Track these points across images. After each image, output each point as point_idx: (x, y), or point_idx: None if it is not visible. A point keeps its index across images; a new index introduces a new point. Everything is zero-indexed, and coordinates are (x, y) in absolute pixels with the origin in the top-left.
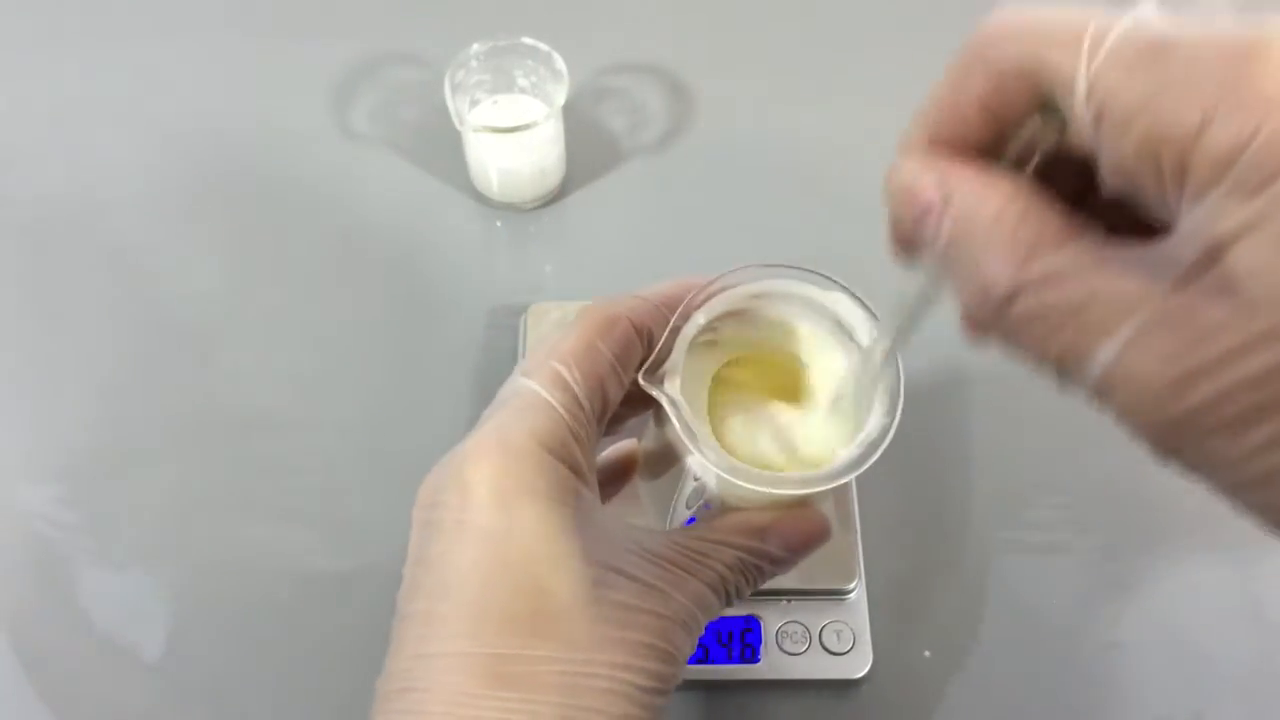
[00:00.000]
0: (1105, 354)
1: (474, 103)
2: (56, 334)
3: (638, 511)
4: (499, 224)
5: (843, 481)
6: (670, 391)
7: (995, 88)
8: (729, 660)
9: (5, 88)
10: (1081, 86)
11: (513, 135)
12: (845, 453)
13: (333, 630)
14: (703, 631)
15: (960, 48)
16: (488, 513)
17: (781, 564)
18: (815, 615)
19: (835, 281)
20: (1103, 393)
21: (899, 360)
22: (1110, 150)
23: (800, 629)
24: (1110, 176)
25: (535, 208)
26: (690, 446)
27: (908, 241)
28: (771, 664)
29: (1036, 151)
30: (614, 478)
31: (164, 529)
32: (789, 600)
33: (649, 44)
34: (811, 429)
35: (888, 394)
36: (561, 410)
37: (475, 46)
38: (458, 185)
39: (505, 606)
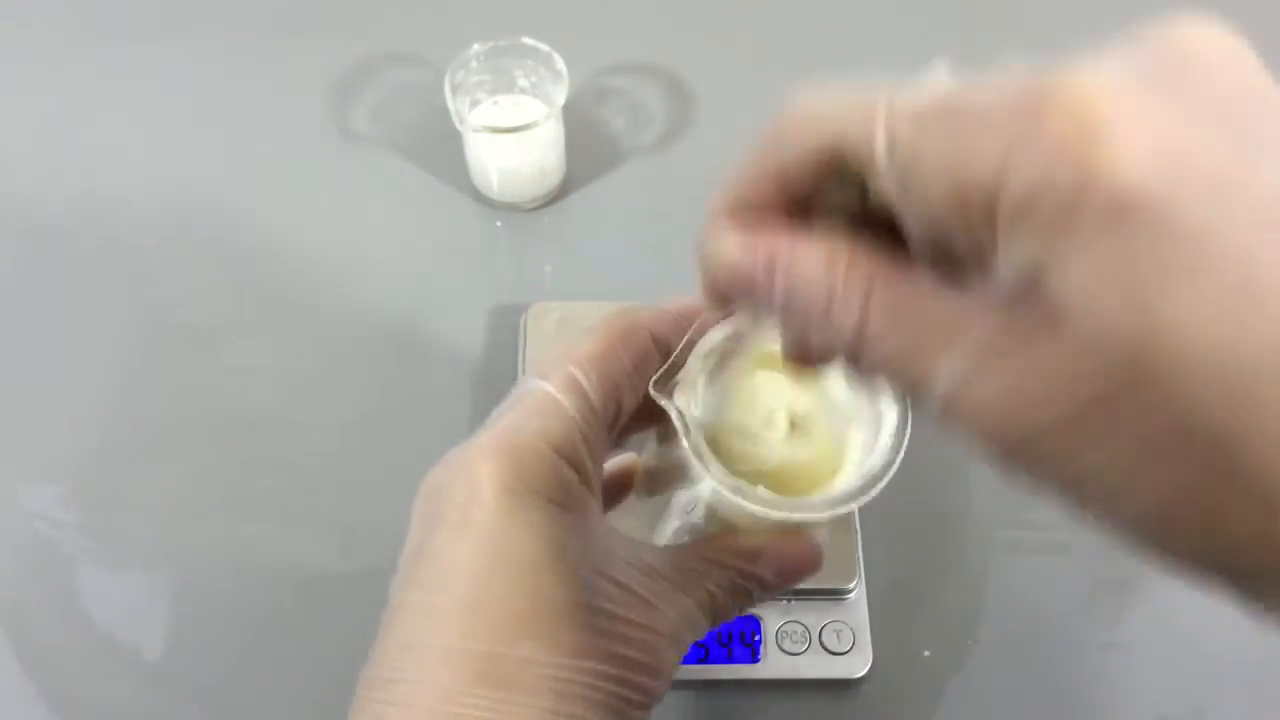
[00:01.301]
0: (940, 383)
1: (474, 103)
2: (57, 334)
3: (632, 528)
4: (499, 224)
5: (843, 512)
6: (680, 404)
7: (796, 165)
8: (729, 660)
9: (5, 88)
10: (881, 152)
11: (513, 135)
12: (846, 483)
13: (333, 630)
14: (686, 652)
15: (758, 135)
16: (493, 511)
17: (769, 590)
18: (815, 615)
19: None
20: (944, 419)
21: (908, 399)
22: (917, 206)
23: (800, 629)
24: (920, 230)
25: (535, 208)
26: (695, 462)
27: (725, 300)
28: (771, 664)
29: (842, 214)
30: (611, 491)
31: (164, 529)
32: (789, 600)
33: (649, 44)
34: (814, 450)
35: (895, 431)
36: (575, 414)
37: (475, 47)
38: (458, 185)
39: (502, 605)
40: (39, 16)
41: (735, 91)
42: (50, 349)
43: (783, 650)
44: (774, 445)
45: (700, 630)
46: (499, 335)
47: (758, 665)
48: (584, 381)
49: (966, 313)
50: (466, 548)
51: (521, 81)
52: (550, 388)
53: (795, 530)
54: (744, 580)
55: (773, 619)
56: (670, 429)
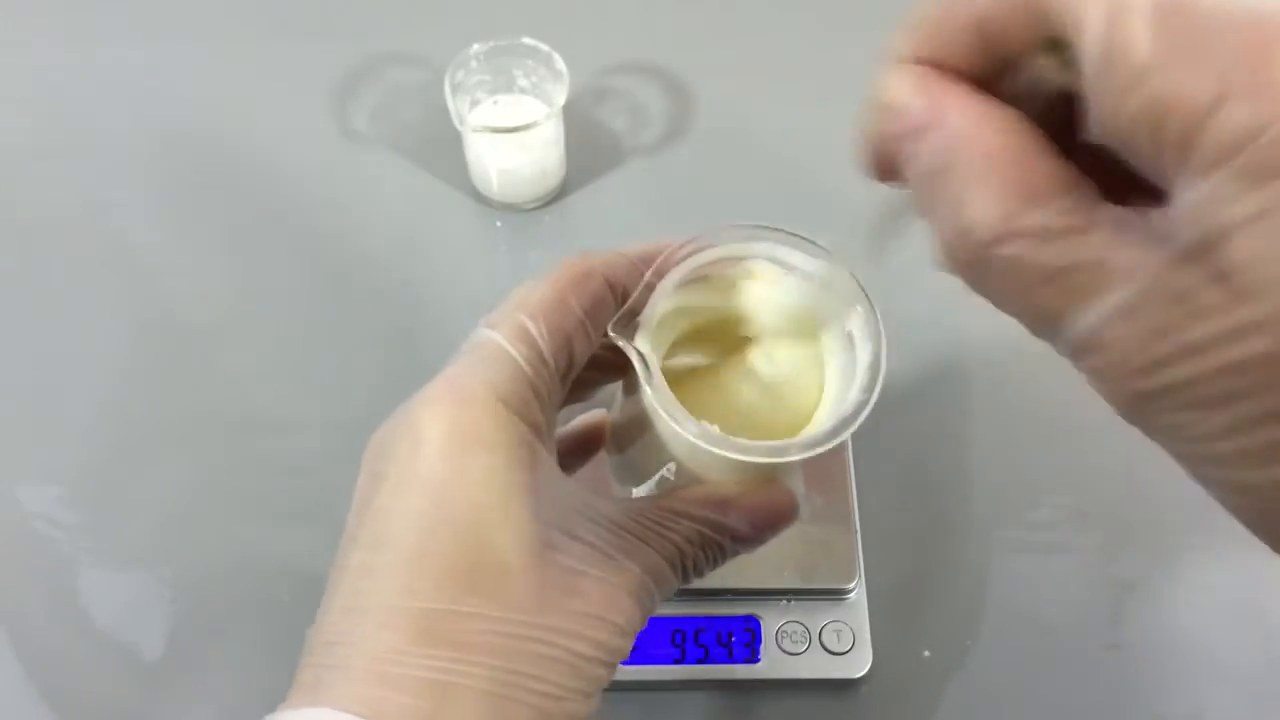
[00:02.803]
0: (1088, 318)
1: (474, 103)
2: (57, 335)
3: (603, 486)
4: (499, 224)
5: (814, 453)
6: (640, 345)
7: (996, 13)
8: (729, 660)
9: (5, 88)
10: (1091, 33)
11: (513, 135)
12: (820, 424)
13: None
14: (656, 607)
15: None
16: (435, 463)
17: (745, 541)
18: (815, 615)
19: (809, 240)
20: (1078, 353)
21: (882, 337)
22: (1109, 104)
23: (800, 629)
24: (1102, 128)
25: (535, 208)
26: (658, 408)
27: (883, 162)
28: (771, 664)
29: (1036, 94)
30: (580, 449)
31: (164, 529)
32: (789, 600)
33: (649, 44)
34: (783, 392)
35: (869, 369)
36: (523, 364)
37: (475, 47)
38: (458, 185)
39: (444, 561)
40: (39, 16)
41: (735, 91)
42: (50, 349)
43: (783, 650)
44: (743, 389)
45: (669, 584)
46: None
47: (758, 665)
48: (534, 330)
49: (1127, 249)
50: (409, 503)
51: (521, 81)
52: (498, 337)
53: (769, 478)
54: (714, 532)
55: (773, 619)
56: (634, 379)
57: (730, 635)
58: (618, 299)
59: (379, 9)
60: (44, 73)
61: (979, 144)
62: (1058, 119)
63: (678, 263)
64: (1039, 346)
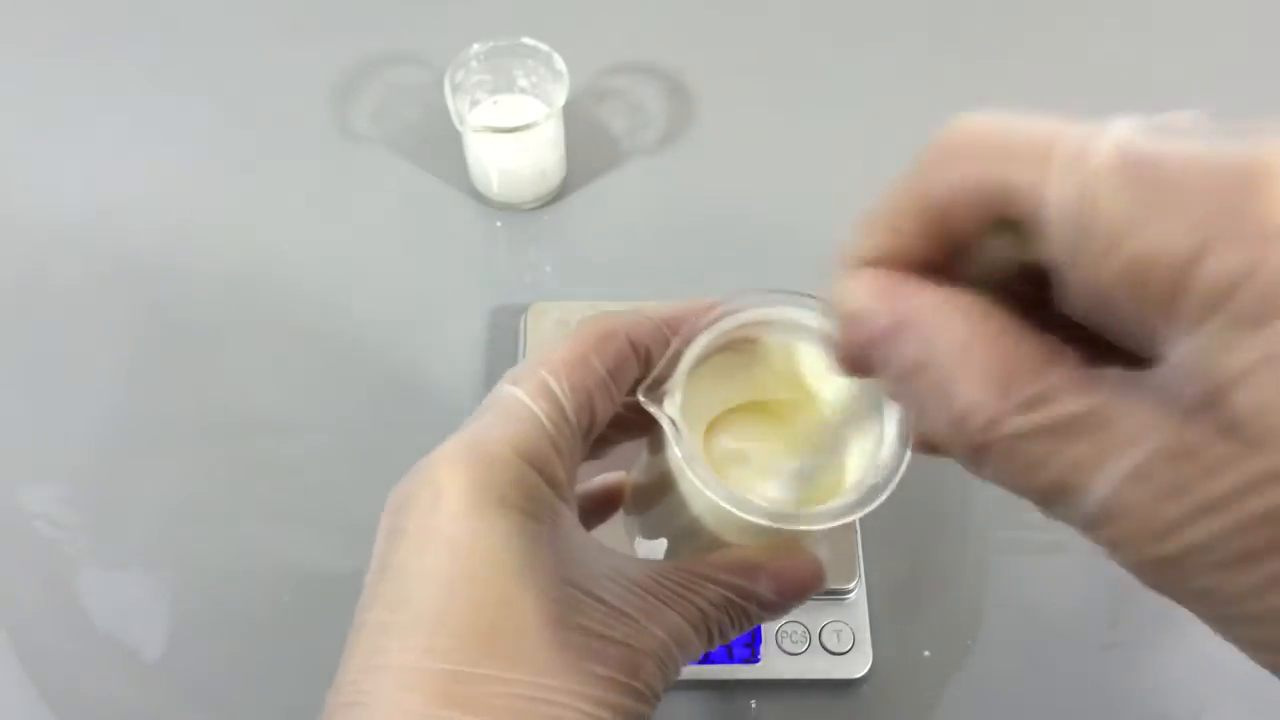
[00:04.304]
0: (1100, 488)
1: (474, 103)
2: (57, 335)
3: (622, 547)
4: (499, 224)
5: (843, 522)
6: (670, 411)
7: (943, 201)
8: (729, 660)
9: (6, 89)
10: (1056, 208)
11: (513, 135)
12: (846, 495)
13: (333, 630)
14: (679, 673)
15: (915, 158)
16: (456, 521)
17: (770, 609)
18: (815, 615)
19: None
20: (1093, 524)
21: (910, 413)
22: (1086, 272)
23: (800, 629)
24: (1079, 297)
25: (535, 208)
26: (688, 470)
27: (857, 366)
28: (771, 664)
29: (993, 272)
30: (598, 508)
31: (164, 529)
32: None
33: (649, 44)
34: (812, 467)
35: (897, 438)
36: (545, 421)
37: (475, 47)
38: (458, 185)
39: (464, 620)
40: (39, 16)
41: (735, 91)
42: (50, 349)
43: (783, 650)
44: (770, 455)
45: (693, 649)
46: (499, 335)
47: (758, 665)
48: (556, 388)
49: (1129, 411)
50: (428, 561)
51: (521, 81)
52: (521, 394)
53: (793, 544)
54: (740, 598)
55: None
56: (659, 439)
57: None
58: (640, 359)
59: (379, 9)
60: (44, 74)
61: (951, 336)
62: (1023, 294)
63: (704, 329)
64: None
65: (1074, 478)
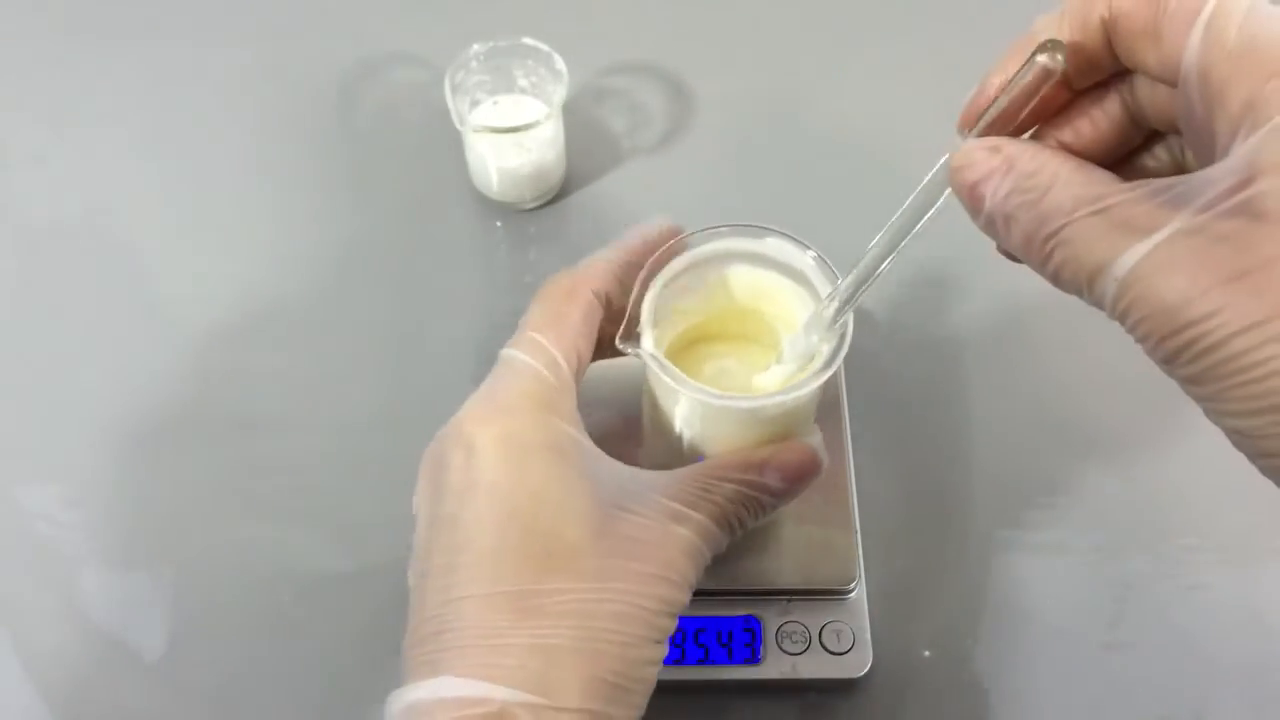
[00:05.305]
0: (1126, 260)
1: (474, 103)
2: (57, 334)
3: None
4: (499, 224)
5: (811, 388)
6: (648, 348)
7: (1078, 28)
8: (729, 660)
9: (5, 88)
10: (1198, 36)
11: (513, 135)
12: (813, 367)
13: (333, 630)
14: (709, 561)
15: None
16: (493, 469)
17: (780, 495)
18: (815, 615)
19: (798, 240)
20: (1120, 297)
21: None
22: (1200, 76)
23: (800, 629)
24: (1178, 103)
25: (535, 208)
26: (676, 386)
27: (975, 197)
28: (771, 664)
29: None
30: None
31: (164, 529)
32: (789, 600)
33: (649, 44)
34: (775, 377)
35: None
36: (545, 371)
37: (475, 47)
38: (458, 185)
39: (520, 550)
40: (39, 16)
41: (735, 91)
42: (50, 349)
43: (783, 650)
44: (737, 370)
45: (718, 541)
46: (499, 335)
47: (758, 665)
48: (544, 341)
49: (1169, 206)
50: (476, 507)
51: (521, 81)
52: (519, 354)
53: (787, 434)
54: (752, 490)
55: (772, 619)
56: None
57: (730, 636)
58: (602, 303)
59: (379, 9)
60: (44, 72)
61: (1046, 166)
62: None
63: (661, 267)
64: (1039, 347)
65: (1116, 249)
